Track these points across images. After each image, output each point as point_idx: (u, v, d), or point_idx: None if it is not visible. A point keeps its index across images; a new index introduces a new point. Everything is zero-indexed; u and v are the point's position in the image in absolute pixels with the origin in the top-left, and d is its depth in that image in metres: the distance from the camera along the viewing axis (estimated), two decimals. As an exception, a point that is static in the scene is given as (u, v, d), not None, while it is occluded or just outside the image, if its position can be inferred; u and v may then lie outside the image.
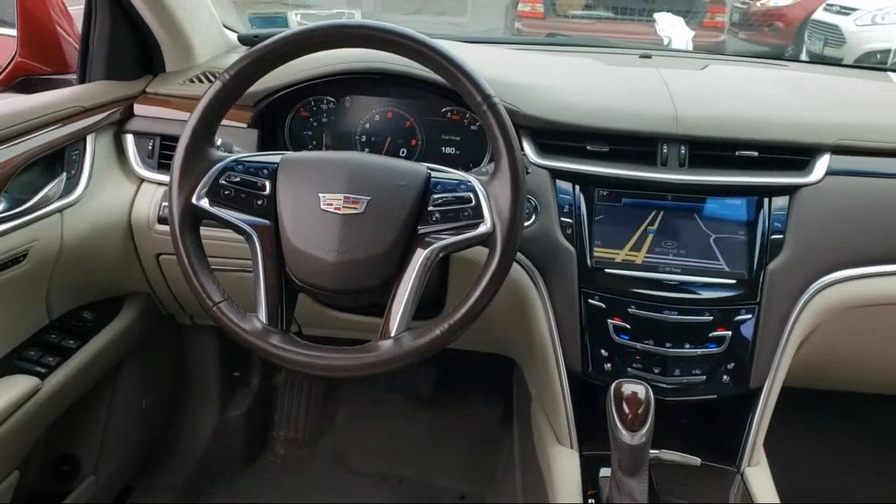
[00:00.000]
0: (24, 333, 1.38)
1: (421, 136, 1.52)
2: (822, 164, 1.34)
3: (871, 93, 1.67)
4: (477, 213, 1.08)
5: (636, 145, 1.36)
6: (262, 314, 1.09)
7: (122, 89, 1.51)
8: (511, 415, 2.05)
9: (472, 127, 1.50)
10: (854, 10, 7.04)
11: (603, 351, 1.31)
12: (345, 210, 1.08)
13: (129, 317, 1.62)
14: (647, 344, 1.29)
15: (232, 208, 1.10)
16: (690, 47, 3.18)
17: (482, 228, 1.07)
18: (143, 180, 1.50)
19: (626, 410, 1.10)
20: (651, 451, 1.15)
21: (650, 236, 1.34)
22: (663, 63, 1.75)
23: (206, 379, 2.07)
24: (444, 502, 2.06)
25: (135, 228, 1.48)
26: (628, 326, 1.30)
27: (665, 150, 1.34)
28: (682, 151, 1.34)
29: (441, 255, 1.09)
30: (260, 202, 1.11)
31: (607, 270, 1.33)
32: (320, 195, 1.09)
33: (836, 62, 5.90)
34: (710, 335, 1.29)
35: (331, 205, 1.08)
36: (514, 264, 1.26)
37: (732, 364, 1.30)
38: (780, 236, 1.31)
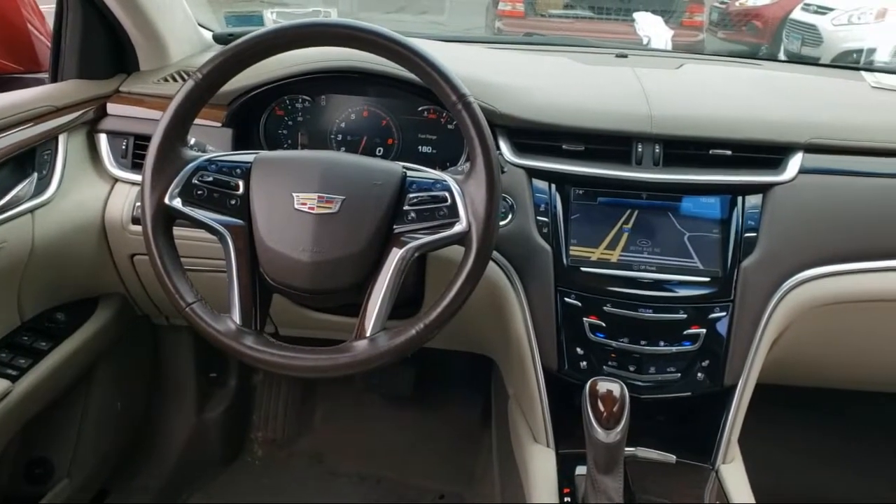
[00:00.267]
0: None
1: (397, 136, 1.51)
2: (795, 162, 1.35)
3: (844, 92, 1.69)
4: (452, 213, 1.08)
5: (611, 144, 1.36)
6: (236, 315, 1.08)
7: (94, 88, 1.50)
8: (489, 414, 2.05)
9: (449, 126, 1.50)
10: (831, 9, 7.11)
11: (579, 349, 1.32)
12: (319, 209, 1.07)
13: (103, 318, 1.61)
14: (622, 342, 1.30)
15: (205, 208, 1.09)
16: (669, 46, 3.20)
17: (458, 228, 1.07)
18: (116, 180, 1.49)
19: (602, 408, 1.10)
20: (627, 449, 1.16)
21: (625, 235, 1.34)
22: (639, 62, 1.75)
23: (183, 380, 2.05)
24: (422, 502, 2.06)
25: (108, 229, 1.47)
26: (604, 324, 1.30)
27: (640, 149, 1.35)
28: (657, 150, 1.35)
29: (417, 254, 1.09)
30: (233, 202, 1.10)
31: (583, 269, 1.33)
32: (294, 195, 1.08)
33: (812, 61, 5.96)
34: (685, 333, 1.30)
35: (305, 204, 1.08)
36: (491, 263, 1.26)
37: (707, 361, 1.31)
38: (754, 234, 1.32)
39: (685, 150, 1.35)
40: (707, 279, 1.31)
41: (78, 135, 1.47)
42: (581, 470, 1.26)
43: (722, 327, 1.31)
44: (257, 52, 1.09)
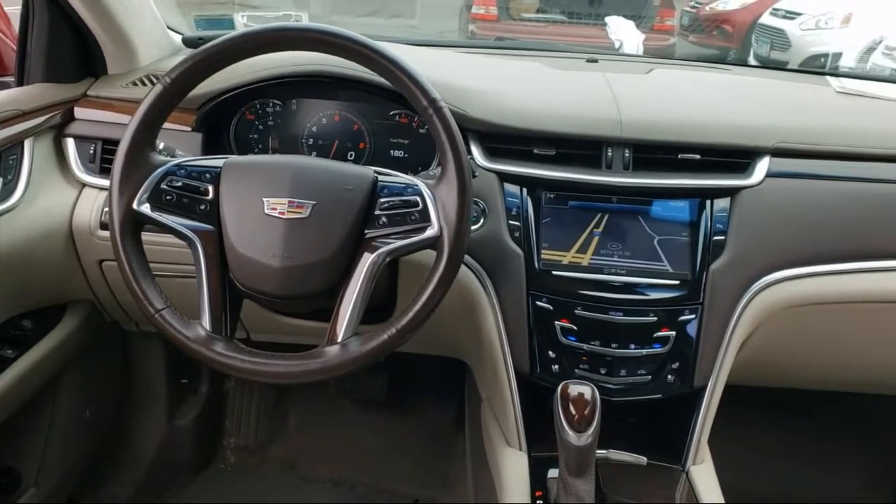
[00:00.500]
0: None
1: (369, 140, 1.51)
2: (763, 166, 1.37)
3: (810, 97, 1.71)
4: (424, 217, 1.08)
5: (582, 149, 1.37)
6: (206, 321, 1.07)
7: (62, 92, 1.48)
8: (463, 418, 2.05)
9: (421, 130, 1.50)
10: (799, 14, 7.22)
11: (550, 352, 1.32)
12: (289, 214, 1.07)
13: (71, 324, 1.58)
14: (593, 345, 1.31)
15: (174, 213, 1.08)
16: (641, 51, 3.23)
17: (429, 232, 1.07)
18: (84, 185, 1.47)
19: (573, 411, 1.11)
20: (599, 452, 1.17)
21: (596, 238, 1.35)
22: (609, 67, 1.77)
23: (154, 386, 2.03)
24: (396, 506, 2.06)
25: (76, 234, 1.45)
26: (575, 328, 1.31)
27: (610, 154, 1.36)
28: (627, 155, 1.36)
29: (388, 259, 1.09)
30: (203, 207, 1.09)
31: (554, 272, 1.34)
32: (264, 199, 1.08)
33: (780, 66, 6.05)
34: (655, 335, 1.31)
35: (275, 209, 1.07)
36: (463, 267, 1.26)
37: (677, 363, 1.32)
38: (722, 237, 1.33)
39: (655, 154, 1.37)
40: (676, 282, 1.33)
41: (45, 139, 1.45)
42: (553, 473, 1.27)
43: (691, 329, 1.32)
44: (227, 55, 1.09)
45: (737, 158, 1.38)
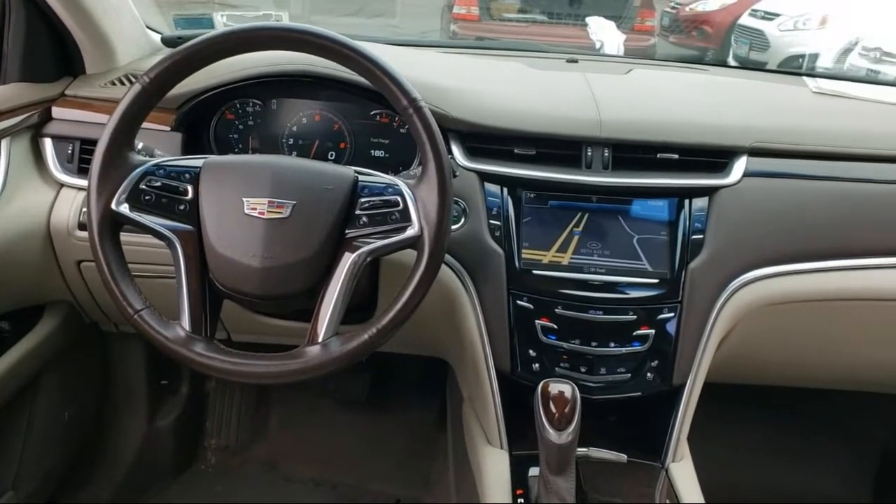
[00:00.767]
0: None
1: (350, 140, 1.51)
2: (740, 166, 1.38)
3: (786, 97, 1.73)
4: (404, 217, 1.08)
5: (562, 148, 1.38)
6: (186, 322, 1.07)
7: (39, 91, 1.46)
8: (445, 417, 2.05)
9: (402, 130, 1.50)
10: (777, 15, 7.29)
11: (531, 351, 1.33)
12: (269, 214, 1.07)
13: (49, 326, 1.57)
14: (573, 343, 1.32)
15: (153, 213, 1.08)
16: (622, 51, 3.24)
17: (410, 232, 1.08)
18: (62, 185, 1.45)
19: (553, 410, 1.11)
20: (579, 450, 1.17)
21: (576, 237, 1.36)
22: (589, 68, 1.78)
23: (134, 387, 2.01)
24: (378, 506, 2.06)
25: (54, 235, 1.43)
26: (555, 327, 1.32)
27: (589, 153, 1.37)
28: (606, 154, 1.37)
29: (369, 258, 1.09)
30: (182, 207, 1.09)
31: (535, 272, 1.34)
32: (244, 199, 1.07)
33: (759, 66, 6.10)
34: (635, 334, 1.32)
35: (255, 209, 1.07)
36: (444, 267, 1.27)
37: (656, 362, 1.33)
38: (700, 236, 1.34)
39: (634, 154, 1.38)
40: (656, 280, 1.34)
41: (22, 139, 1.43)
42: (534, 471, 1.27)
43: (671, 328, 1.33)
44: (206, 55, 1.08)
45: (715, 158, 1.39)
